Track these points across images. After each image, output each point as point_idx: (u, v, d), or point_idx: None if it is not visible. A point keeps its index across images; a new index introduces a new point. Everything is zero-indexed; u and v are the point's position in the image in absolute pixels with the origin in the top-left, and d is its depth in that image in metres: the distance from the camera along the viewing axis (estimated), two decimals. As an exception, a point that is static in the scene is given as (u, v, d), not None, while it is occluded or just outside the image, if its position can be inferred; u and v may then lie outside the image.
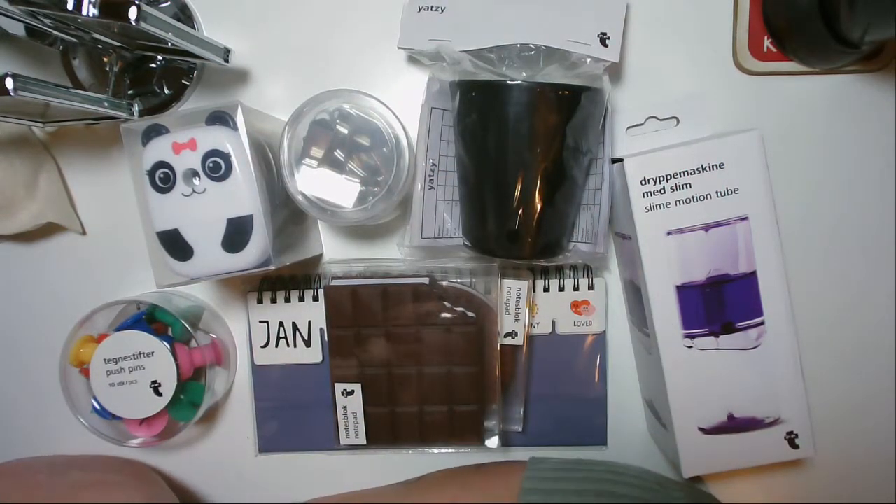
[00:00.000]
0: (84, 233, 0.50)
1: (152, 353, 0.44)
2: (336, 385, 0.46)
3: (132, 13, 0.35)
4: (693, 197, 0.41)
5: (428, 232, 0.45)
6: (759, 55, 0.46)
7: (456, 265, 0.46)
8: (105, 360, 0.44)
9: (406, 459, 0.50)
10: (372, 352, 0.45)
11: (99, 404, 0.45)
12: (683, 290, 0.42)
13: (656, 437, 0.49)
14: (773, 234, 0.41)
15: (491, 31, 0.42)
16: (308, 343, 0.49)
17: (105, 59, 0.46)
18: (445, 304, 0.45)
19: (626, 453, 0.50)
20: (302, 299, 0.49)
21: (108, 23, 0.38)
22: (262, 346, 0.49)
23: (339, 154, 0.40)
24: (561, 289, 0.48)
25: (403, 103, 0.42)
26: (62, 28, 0.41)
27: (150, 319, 0.47)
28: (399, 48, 0.44)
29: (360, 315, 0.45)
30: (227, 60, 0.44)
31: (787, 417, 0.43)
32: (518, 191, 0.40)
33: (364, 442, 0.47)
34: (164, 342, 0.44)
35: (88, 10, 0.35)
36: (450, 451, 0.49)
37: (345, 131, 0.40)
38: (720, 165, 0.41)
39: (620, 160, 0.42)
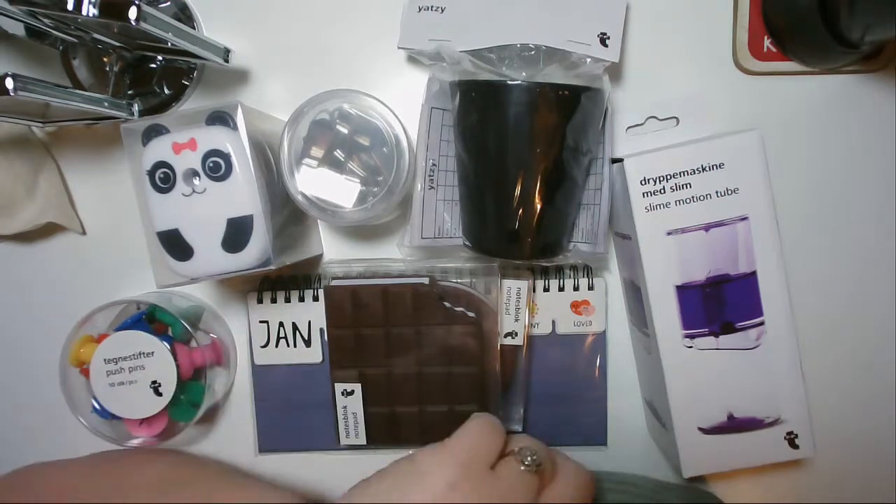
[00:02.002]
0: (84, 233, 0.50)
1: (152, 353, 0.44)
2: (336, 385, 0.46)
3: (132, 13, 0.35)
4: (693, 197, 0.41)
5: (428, 232, 0.45)
6: (759, 55, 0.46)
7: (456, 265, 0.46)
8: (105, 360, 0.44)
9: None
10: (372, 352, 0.45)
11: (99, 404, 0.45)
12: (683, 290, 0.42)
13: (656, 437, 0.49)
14: (773, 234, 0.41)
15: (491, 31, 0.42)
16: (308, 343, 0.49)
17: (105, 59, 0.46)
18: (445, 304, 0.45)
19: (626, 453, 0.50)
20: (302, 299, 0.49)
21: (108, 23, 0.38)
22: (262, 346, 0.49)
23: (339, 154, 0.40)
24: (561, 289, 0.48)
25: (403, 103, 0.42)
26: (62, 28, 0.41)
27: (150, 319, 0.47)
28: (399, 48, 0.44)
29: (360, 315, 0.45)
30: (227, 60, 0.44)
31: (787, 417, 0.43)
32: (518, 191, 0.40)
33: (364, 442, 0.47)
34: (164, 342, 0.44)
35: (88, 10, 0.35)
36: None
37: (345, 131, 0.40)
38: (720, 165, 0.41)
39: (620, 160, 0.42)
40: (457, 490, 0.32)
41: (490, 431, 0.36)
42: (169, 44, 0.41)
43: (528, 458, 0.35)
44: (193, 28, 0.46)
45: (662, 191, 0.41)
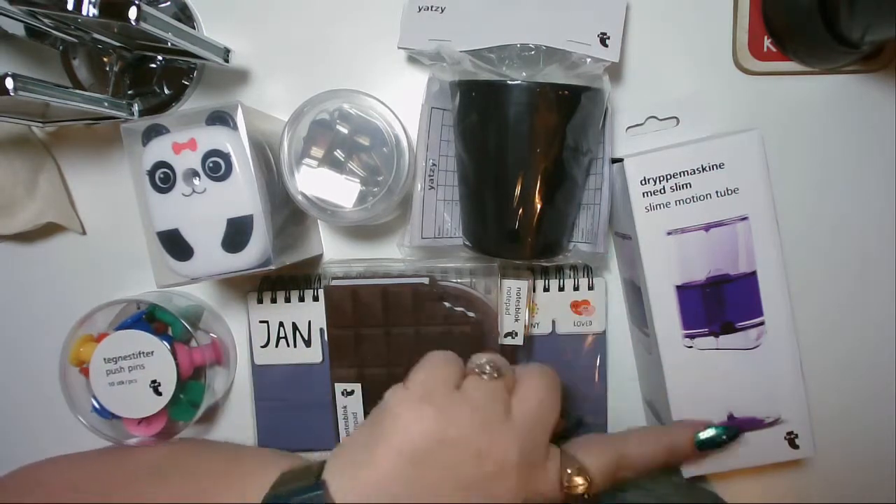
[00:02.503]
0: (84, 233, 0.50)
1: (152, 352, 0.44)
2: (336, 385, 0.46)
3: (132, 13, 0.35)
4: (693, 197, 0.41)
5: (428, 232, 0.45)
6: (759, 55, 0.46)
7: (456, 265, 0.46)
8: (105, 359, 0.44)
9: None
10: (372, 352, 0.45)
11: (99, 403, 0.45)
12: (683, 290, 0.42)
13: (656, 437, 0.49)
14: (773, 234, 0.41)
15: (491, 31, 0.42)
16: (308, 343, 0.49)
17: (105, 59, 0.46)
18: (445, 304, 0.45)
19: (626, 453, 0.50)
20: (302, 299, 0.49)
21: (108, 23, 0.38)
22: (262, 346, 0.49)
23: (339, 154, 0.40)
24: (561, 289, 0.48)
25: (403, 103, 0.42)
26: (62, 28, 0.41)
27: (149, 319, 0.47)
28: (399, 48, 0.44)
29: (360, 315, 0.45)
30: (227, 60, 0.44)
31: (787, 417, 0.43)
32: (518, 191, 0.40)
33: (364, 442, 0.47)
34: (164, 341, 0.44)
35: (88, 10, 0.35)
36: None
37: (345, 131, 0.40)
38: (720, 165, 0.41)
39: (620, 160, 0.42)
40: (424, 418, 0.33)
41: (445, 360, 0.36)
42: (169, 44, 0.41)
43: (488, 368, 0.36)
44: (193, 28, 0.46)
45: (662, 191, 0.41)
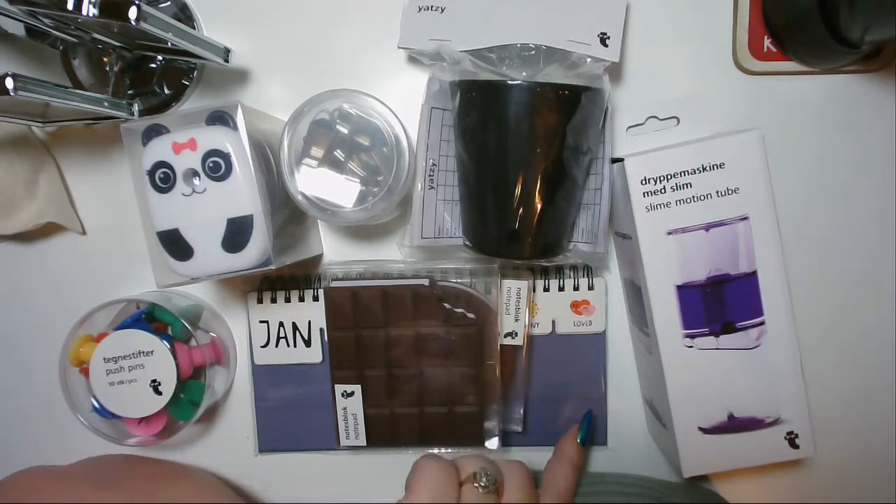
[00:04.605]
0: (84, 233, 0.50)
1: (152, 351, 0.44)
2: (336, 386, 0.46)
3: (132, 13, 0.35)
4: (693, 197, 0.41)
5: (428, 232, 0.45)
6: (759, 55, 0.46)
7: (456, 265, 0.46)
8: (105, 359, 0.44)
9: (406, 460, 0.50)
10: (372, 353, 0.45)
11: (98, 403, 0.45)
12: (684, 290, 0.42)
13: (656, 436, 0.49)
14: (773, 233, 0.41)
15: (491, 31, 0.42)
16: (308, 343, 0.49)
17: (105, 59, 0.46)
18: (445, 304, 0.45)
19: (626, 453, 0.50)
20: (302, 299, 0.49)
21: (108, 23, 0.38)
22: (262, 346, 0.49)
23: (339, 154, 0.40)
24: (561, 289, 0.48)
25: (403, 103, 0.42)
26: (62, 28, 0.41)
27: (149, 318, 0.47)
28: (399, 48, 0.44)
29: (360, 317, 0.45)
30: (227, 60, 0.44)
31: (787, 417, 0.43)
32: (518, 191, 0.40)
33: (364, 443, 0.47)
34: (164, 341, 0.44)
35: (88, 10, 0.35)
36: (450, 451, 0.49)
37: (345, 131, 0.40)
38: (720, 165, 0.41)
39: (621, 160, 0.42)
40: None
41: (442, 468, 0.37)
42: (169, 44, 0.41)
43: (484, 480, 0.37)
44: (193, 28, 0.46)
45: (663, 190, 0.41)
